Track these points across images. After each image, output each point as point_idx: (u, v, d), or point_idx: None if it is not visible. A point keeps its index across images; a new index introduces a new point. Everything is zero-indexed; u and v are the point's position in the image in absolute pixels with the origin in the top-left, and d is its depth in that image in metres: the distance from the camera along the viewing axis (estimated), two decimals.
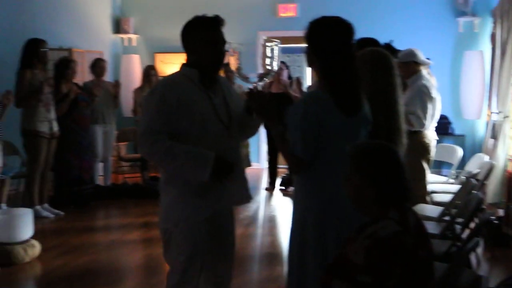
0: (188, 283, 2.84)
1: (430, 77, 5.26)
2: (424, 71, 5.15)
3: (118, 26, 10.18)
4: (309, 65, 2.64)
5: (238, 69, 3.05)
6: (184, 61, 2.89)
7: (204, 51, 2.76)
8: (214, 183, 2.69)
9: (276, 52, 2.91)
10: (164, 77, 3.00)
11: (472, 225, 3.94)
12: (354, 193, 1.99)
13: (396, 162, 1.96)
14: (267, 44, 2.88)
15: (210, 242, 2.86)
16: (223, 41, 2.80)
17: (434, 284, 1.93)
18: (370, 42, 3.47)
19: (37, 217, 5.66)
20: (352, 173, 1.98)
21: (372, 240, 1.83)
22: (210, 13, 2.85)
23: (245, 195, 2.99)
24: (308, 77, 10.08)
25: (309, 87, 7.97)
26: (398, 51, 4.97)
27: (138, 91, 8.13)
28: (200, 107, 2.75)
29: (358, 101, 2.59)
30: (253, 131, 3.02)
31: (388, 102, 2.89)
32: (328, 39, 2.51)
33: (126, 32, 10.14)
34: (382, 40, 4.01)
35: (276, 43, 2.92)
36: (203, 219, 2.79)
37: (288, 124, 2.54)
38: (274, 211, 7.12)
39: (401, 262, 1.79)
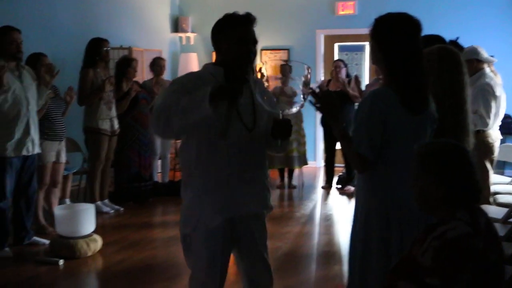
0: None
1: (495, 75, 5.10)
2: (487, 69, 5.01)
3: (176, 25, 10.32)
4: (374, 62, 2.60)
5: (279, 93, 2.64)
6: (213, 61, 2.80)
7: (231, 49, 2.64)
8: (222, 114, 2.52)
9: (309, 79, 2.65)
10: (190, 72, 2.87)
11: None
12: (421, 193, 1.94)
13: (466, 161, 1.90)
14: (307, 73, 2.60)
15: (230, 247, 2.79)
16: (253, 40, 2.67)
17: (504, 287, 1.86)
18: (436, 39, 3.38)
19: (98, 213, 5.78)
20: (420, 173, 1.93)
21: (440, 241, 1.78)
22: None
23: (263, 205, 2.83)
24: (366, 75, 9.96)
25: (367, 86, 7.87)
26: (463, 48, 4.86)
27: None
28: (220, 104, 2.57)
29: (425, 99, 2.53)
30: (277, 152, 2.90)
31: (456, 101, 2.82)
32: (395, 35, 2.46)
33: (184, 31, 10.26)
34: (446, 37, 3.90)
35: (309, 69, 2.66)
36: (220, 225, 2.70)
37: (353, 122, 2.51)
38: (331, 209, 7.07)
39: (471, 265, 1.74)
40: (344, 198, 7.75)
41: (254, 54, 2.68)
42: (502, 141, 5.53)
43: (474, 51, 4.93)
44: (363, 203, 2.59)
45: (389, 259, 2.44)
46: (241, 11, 2.70)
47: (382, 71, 2.54)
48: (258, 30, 2.75)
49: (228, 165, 2.67)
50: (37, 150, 5.24)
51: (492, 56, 5.16)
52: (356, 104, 7.88)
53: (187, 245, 2.78)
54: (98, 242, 5.20)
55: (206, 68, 2.78)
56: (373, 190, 2.54)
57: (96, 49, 6.44)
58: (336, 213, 6.90)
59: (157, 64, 7.79)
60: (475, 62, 4.90)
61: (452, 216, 1.87)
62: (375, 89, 2.48)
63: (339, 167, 8.71)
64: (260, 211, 2.83)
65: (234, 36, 2.63)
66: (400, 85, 2.46)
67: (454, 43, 4.35)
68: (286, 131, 2.65)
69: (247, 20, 2.67)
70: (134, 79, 7.18)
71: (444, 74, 2.84)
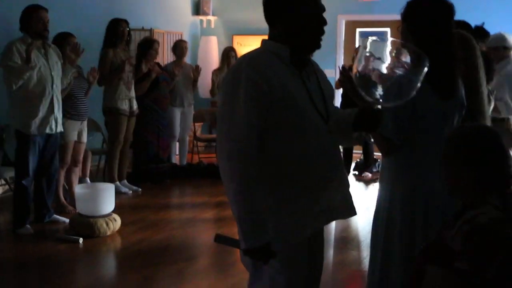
0: None
1: None
2: None
3: (197, 8, 10.28)
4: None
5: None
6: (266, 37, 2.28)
7: (303, 21, 2.18)
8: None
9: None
10: (246, 54, 2.28)
11: None
12: (452, 178, 1.92)
13: (498, 146, 1.88)
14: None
15: (308, 267, 2.32)
16: (323, 8, 2.23)
17: None
18: (461, 25, 3.36)
19: (116, 193, 5.82)
20: (451, 157, 1.91)
21: (471, 225, 1.77)
22: None
23: (352, 209, 2.41)
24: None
25: None
26: (489, 34, 4.81)
27: (216, 72, 8.21)
28: (295, 93, 2.17)
29: (454, 84, 2.51)
30: (344, 145, 2.45)
31: (471, 84, 2.79)
32: (426, 19, 2.44)
33: (205, 13, 10.22)
34: (471, 23, 3.87)
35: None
36: (304, 239, 2.24)
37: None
38: None
39: (502, 251, 1.73)
40: (361, 184, 7.74)
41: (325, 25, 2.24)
42: None
43: (501, 38, 4.88)
44: (387, 188, 2.57)
45: (412, 246, 2.43)
46: None
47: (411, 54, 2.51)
48: None
49: (312, 165, 2.22)
50: (60, 128, 5.28)
51: None
52: None
53: (258, 271, 2.28)
54: (117, 222, 5.25)
55: (266, 46, 2.26)
56: (398, 175, 2.53)
57: (114, 29, 6.47)
58: (353, 199, 6.87)
59: (179, 47, 7.79)
60: (502, 50, 4.86)
61: (483, 201, 1.85)
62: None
63: (357, 154, 8.68)
64: (347, 216, 2.42)
65: (304, 5, 2.18)
66: (429, 69, 2.44)
67: (479, 29, 4.31)
68: (375, 123, 2.22)
69: None
70: (155, 61, 7.19)
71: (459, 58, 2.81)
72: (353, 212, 2.41)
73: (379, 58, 2.14)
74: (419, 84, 2.14)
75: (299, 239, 2.22)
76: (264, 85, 2.10)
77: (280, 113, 2.15)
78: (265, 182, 2.17)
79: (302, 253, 2.26)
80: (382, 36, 9.70)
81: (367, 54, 2.14)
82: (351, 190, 2.44)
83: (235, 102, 2.11)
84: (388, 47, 2.19)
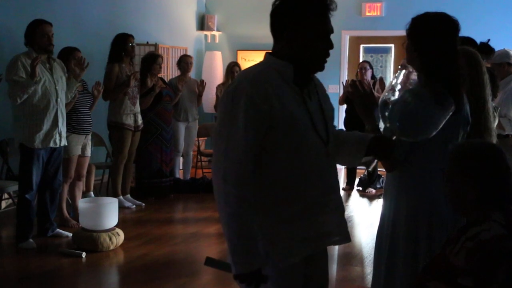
0: None
1: None
2: None
3: (202, 23, 10.34)
4: (409, 62, 2.58)
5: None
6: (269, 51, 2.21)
7: (312, 43, 2.10)
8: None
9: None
10: (247, 70, 2.21)
11: None
12: (455, 194, 1.92)
13: (502, 162, 1.88)
14: None
15: None
16: (332, 31, 2.16)
17: None
18: (467, 41, 3.36)
19: (120, 207, 5.81)
20: (454, 173, 1.91)
21: (474, 242, 1.77)
22: None
23: (346, 235, 2.31)
24: (390, 78, 9.88)
25: None
26: (494, 51, 4.82)
27: (220, 87, 8.23)
28: (296, 114, 2.10)
29: (459, 100, 2.51)
30: (348, 165, 2.42)
31: (477, 100, 2.79)
32: (431, 35, 2.44)
33: (210, 29, 10.28)
34: (478, 39, 3.88)
35: None
36: (300, 261, 2.17)
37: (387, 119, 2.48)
38: (352, 211, 7.03)
39: (505, 267, 1.72)
40: (365, 200, 7.71)
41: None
42: None
43: (506, 55, 4.89)
44: (391, 204, 2.57)
45: (416, 262, 2.43)
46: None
47: (417, 71, 2.52)
48: None
49: (308, 189, 2.16)
50: (64, 142, 5.28)
51: None
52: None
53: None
54: (120, 236, 5.23)
55: (269, 63, 2.18)
56: (402, 191, 2.52)
57: (122, 44, 6.49)
58: (357, 215, 6.86)
59: (184, 62, 7.81)
60: (506, 66, 4.86)
61: (486, 218, 1.85)
62: (410, 89, 2.44)
63: (361, 169, 8.66)
64: (341, 243, 2.34)
65: (316, 27, 2.10)
66: (435, 85, 2.44)
67: (485, 45, 4.32)
68: (389, 153, 2.28)
69: (329, 7, 2.11)
70: (159, 75, 7.22)
71: (464, 74, 2.81)
72: (348, 239, 2.32)
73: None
74: (441, 125, 2.22)
75: (289, 263, 2.14)
76: (264, 106, 2.04)
77: (279, 135, 2.08)
78: (259, 205, 2.11)
79: (296, 276, 2.19)
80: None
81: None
82: (354, 205, 2.43)
83: (234, 121, 2.05)
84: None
